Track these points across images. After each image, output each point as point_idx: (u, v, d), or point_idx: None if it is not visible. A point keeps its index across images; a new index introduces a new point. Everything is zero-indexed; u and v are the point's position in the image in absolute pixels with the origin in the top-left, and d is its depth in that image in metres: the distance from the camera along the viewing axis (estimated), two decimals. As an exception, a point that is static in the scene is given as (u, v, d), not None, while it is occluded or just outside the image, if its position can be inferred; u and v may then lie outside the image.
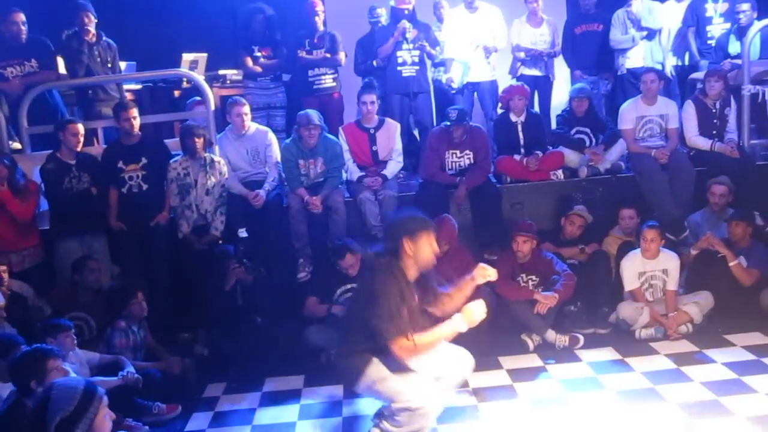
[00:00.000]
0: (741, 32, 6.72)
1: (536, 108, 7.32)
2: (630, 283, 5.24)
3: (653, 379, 4.39)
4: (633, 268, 5.24)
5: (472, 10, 7.27)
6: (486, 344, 4.69)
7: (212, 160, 5.73)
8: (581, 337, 5.03)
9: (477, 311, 3.44)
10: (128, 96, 6.86)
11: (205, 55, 7.82)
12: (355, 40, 7.26)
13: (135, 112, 5.71)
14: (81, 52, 6.25)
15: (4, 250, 5.27)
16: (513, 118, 6.35)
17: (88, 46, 6.26)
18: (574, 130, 6.47)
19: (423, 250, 3.43)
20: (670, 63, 7.67)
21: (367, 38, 7.21)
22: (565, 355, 4.90)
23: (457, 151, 6.07)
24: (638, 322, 5.09)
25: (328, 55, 6.97)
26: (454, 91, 7.37)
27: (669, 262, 5.21)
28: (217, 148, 6.03)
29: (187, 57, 7.58)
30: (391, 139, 6.18)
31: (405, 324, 3.34)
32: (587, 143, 6.44)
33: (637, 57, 7.39)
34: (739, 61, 6.59)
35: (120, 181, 5.65)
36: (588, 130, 6.46)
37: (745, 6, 6.77)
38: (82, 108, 6.64)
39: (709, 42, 7.23)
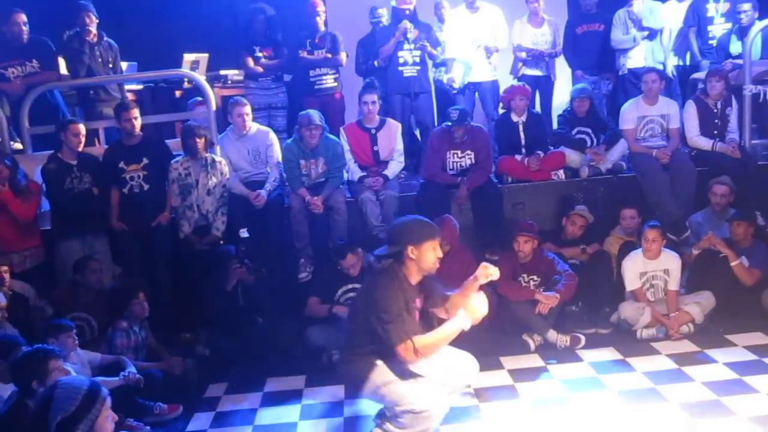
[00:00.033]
0: (742, 32, 6.72)
1: (537, 108, 7.32)
2: (631, 283, 5.23)
3: (654, 379, 4.38)
4: (634, 268, 5.23)
5: (473, 10, 7.27)
6: (487, 344, 4.69)
7: (213, 161, 5.73)
8: (582, 337, 5.03)
9: (480, 306, 3.43)
10: (129, 96, 6.87)
11: (206, 55, 7.82)
12: (356, 41, 7.26)
13: (136, 112, 5.72)
14: (82, 53, 6.25)
15: (6, 250, 5.27)
16: (514, 118, 6.35)
17: (89, 47, 6.27)
18: (575, 130, 6.47)
19: (426, 256, 3.42)
20: (672, 63, 7.68)
21: (368, 38, 7.21)
22: (567, 355, 4.89)
23: (459, 151, 6.07)
24: (639, 322, 5.09)
25: (330, 56, 6.98)
26: (455, 91, 7.37)
27: (670, 262, 5.21)
28: (218, 149, 6.03)
29: (188, 57, 7.59)
30: (392, 140, 6.18)
31: (409, 327, 3.34)
32: (588, 143, 6.44)
33: (638, 57, 7.39)
34: (740, 61, 6.59)
35: (121, 181, 5.65)
36: (589, 130, 6.47)
37: (747, 6, 6.78)
38: (84, 108, 6.64)
39: (710, 42, 7.23)
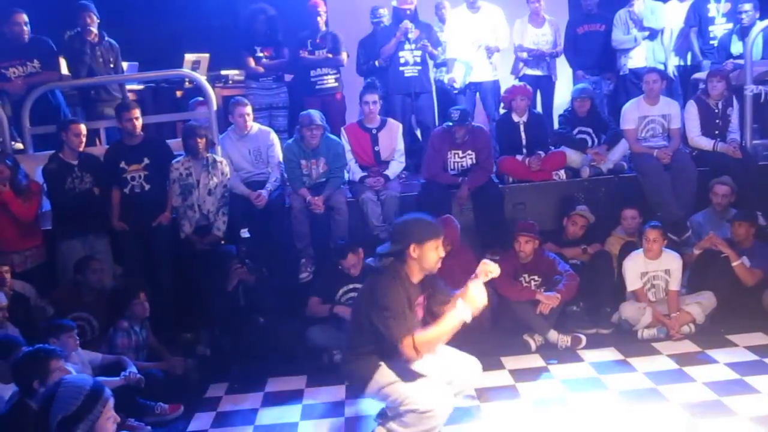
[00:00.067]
0: (743, 32, 6.72)
1: (538, 108, 7.32)
2: (632, 283, 5.23)
3: (655, 379, 4.38)
4: (635, 269, 5.23)
5: (474, 10, 7.27)
6: (488, 344, 4.69)
7: (214, 161, 5.73)
8: (583, 338, 5.02)
9: (478, 295, 3.41)
10: (130, 96, 6.87)
11: (207, 55, 7.83)
12: (357, 41, 7.26)
13: (137, 112, 5.71)
14: (83, 53, 6.25)
15: (7, 250, 5.27)
16: (515, 118, 6.35)
17: (90, 47, 6.27)
18: (576, 130, 6.48)
19: (429, 255, 3.42)
20: (673, 63, 7.68)
21: (369, 38, 7.21)
22: (568, 355, 4.89)
23: (460, 152, 6.07)
24: (641, 322, 5.09)
25: (330, 56, 6.98)
26: (456, 92, 7.37)
27: (671, 262, 5.21)
28: (219, 149, 6.03)
29: (189, 57, 7.59)
30: (393, 140, 6.18)
31: (411, 323, 3.34)
32: (589, 143, 6.44)
33: (639, 57, 7.39)
34: (741, 62, 6.59)
35: (122, 181, 5.65)
36: (590, 130, 6.47)
37: (748, 6, 6.78)
38: (85, 108, 6.64)
39: (711, 42, 7.23)
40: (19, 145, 6.26)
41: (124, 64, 6.87)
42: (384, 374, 3.43)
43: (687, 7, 7.44)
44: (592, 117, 6.50)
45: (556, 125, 7.08)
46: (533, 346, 5.01)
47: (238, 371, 5.00)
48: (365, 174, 6.06)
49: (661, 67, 7.36)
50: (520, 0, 7.57)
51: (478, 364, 3.73)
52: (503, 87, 7.09)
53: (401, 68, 6.93)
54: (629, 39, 7.32)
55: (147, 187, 5.67)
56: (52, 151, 5.64)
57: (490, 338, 4.93)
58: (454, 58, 7.32)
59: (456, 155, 6.07)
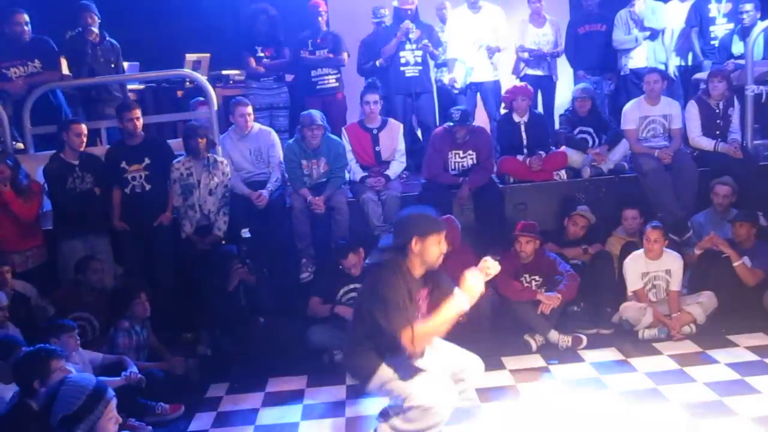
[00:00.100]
0: (744, 32, 6.72)
1: (539, 108, 7.32)
2: (633, 283, 5.23)
3: (656, 379, 4.38)
4: (636, 269, 5.23)
5: (475, 10, 7.26)
6: (489, 344, 4.69)
7: (215, 161, 5.73)
8: (584, 338, 5.02)
9: (475, 283, 3.40)
10: (131, 96, 6.88)
11: (208, 55, 7.83)
12: (358, 41, 7.26)
13: (138, 112, 5.72)
14: (84, 53, 6.26)
15: (8, 250, 5.28)
16: (516, 118, 6.35)
17: (91, 47, 6.27)
18: (576, 130, 6.48)
19: (430, 250, 3.41)
20: (673, 63, 7.67)
21: (370, 38, 7.20)
22: (568, 355, 4.89)
23: (460, 152, 6.07)
24: (641, 322, 5.09)
25: (331, 56, 6.98)
26: (456, 92, 7.37)
27: (672, 262, 5.20)
28: (220, 149, 6.03)
29: (190, 57, 7.60)
30: (393, 140, 6.18)
31: (411, 315, 3.33)
32: (590, 143, 6.44)
33: (640, 57, 7.39)
34: (742, 62, 6.59)
35: (123, 181, 5.66)
36: (591, 130, 6.47)
37: (749, 6, 6.77)
38: (86, 108, 6.64)
39: (712, 42, 7.23)
40: (20, 145, 6.26)
41: (125, 64, 6.87)
42: (386, 371, 3.43)
43: (688, 7, 7.44)
44: (592, 117, 6.50)
45: (557, 125, 7.08)
46: (534, 347, 5.01)
47: (238, 371, 5.00)
48: (366, 174, 6.06)
49: (662, 67, 7.36)
50: (521, 0, 7.56)
51: (481, 363, 3.72)
52: (504, 87, 7.10)
53: (402, 68, 6.93)
54: (630, 39, 7.32)
55: (148, 187, 5.67)
56: (53, 151, 5.65)
57: (490, 338, 4.93)
58: (454, 59, 7.32)
59: (457, 155, 6.07)
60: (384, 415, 3.60)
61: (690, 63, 7.58)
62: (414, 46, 6.90)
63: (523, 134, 6.32)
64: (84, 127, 5.57)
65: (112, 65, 6.46)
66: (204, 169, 5.67)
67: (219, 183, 5.69)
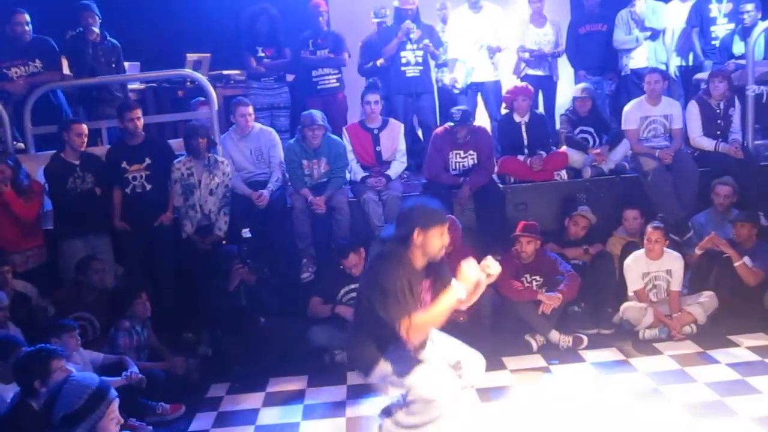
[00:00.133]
0: (745, 32, 6.72)
1: (540, 108, 7.31)
2: (634, 283, 5.23)
3: (657, 379, 4.38)
4: (637, 269, 5.23)
5: (475, 10, 7.25)
6: (490, 344, 4.68)
7: (216, 161, 5.74)
8: (585, 338, 5.02)
9: (471, 272, 3.39)
10: (132, 96, 6.87)
11: (208, 55, 7.82)
12: (359, 41, 7.26)
13: (139, 112, 5.72)
14: (85, 53, 6.25)
15: (8, 250, 5.27)
16: (517, 118, 6.35)
17: (92, 47, 6.27)
18: (577, 130, 6.47)
19: (432, 242, 3.41)
20: (674, 63, 7.67)
21: (371, 38, 7.20)
22: (569, 355, 4.89)
23: (461, 152, 6.07)
24: (642, 322, 5.09)
25: (332, 56, 6.97)
26: (457, 92, 7.36)
27: (673, 262, 5.20)
28: (220, 149, 6.03)
29: (190, 57, 7.58)
30: (394, 140, 6.18)
31: (410, 306, 3.33)
32: (591, 143, 6.44)
33: (640, 57, 7.39)
34: (743, 62, 6.58)
35: (124, 181, 5.66)
36: (592, 130, 6.47)
37: (750, 6, 6.77)
38: (86, 108, 6.64)
39: (713, 42, 7.22)
40: (21, 145, 6.26)
41: (126, 64, 6.87)
42: (385, 365, 3.43)
43: (689, 7, 7.43)
44: (593, 117, 6.49)
45: (557, 125, 7.08)
46: (535, 347, 5.01)
47: (239, 371, 5.00)
48: (367, 174, 6.06)
49: (663, 67, 7.35)
50: (521, 0, 7.56)
51: (482, 359, 3.72)
52: (505, 87, 7.09)
53: (403, 68, 6.93)
54: (631, 39, 7.31)
55: (148, 187, 5.67)
56: (54, 151, 5.65)
57: (491, 338, 4.93)
58: (455, 59, 7.31)
59: (457, 155, 6.07)
60: (386, 412, 3.60)
61: (691, 63, 7.57)
62: (415, 46, 6.89)
63: (524, 134, 6.32)
64: (85, 127, 5.58)
65: (113, 65, 6.46)
66: (205, 169, 5.67)
67: (220, 183, 5.69)
